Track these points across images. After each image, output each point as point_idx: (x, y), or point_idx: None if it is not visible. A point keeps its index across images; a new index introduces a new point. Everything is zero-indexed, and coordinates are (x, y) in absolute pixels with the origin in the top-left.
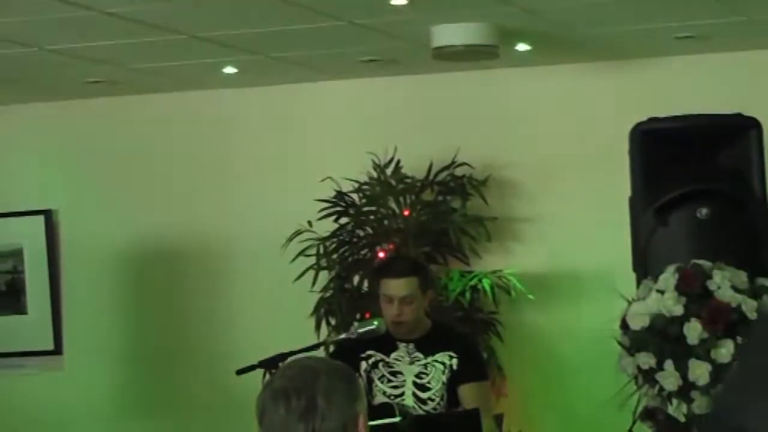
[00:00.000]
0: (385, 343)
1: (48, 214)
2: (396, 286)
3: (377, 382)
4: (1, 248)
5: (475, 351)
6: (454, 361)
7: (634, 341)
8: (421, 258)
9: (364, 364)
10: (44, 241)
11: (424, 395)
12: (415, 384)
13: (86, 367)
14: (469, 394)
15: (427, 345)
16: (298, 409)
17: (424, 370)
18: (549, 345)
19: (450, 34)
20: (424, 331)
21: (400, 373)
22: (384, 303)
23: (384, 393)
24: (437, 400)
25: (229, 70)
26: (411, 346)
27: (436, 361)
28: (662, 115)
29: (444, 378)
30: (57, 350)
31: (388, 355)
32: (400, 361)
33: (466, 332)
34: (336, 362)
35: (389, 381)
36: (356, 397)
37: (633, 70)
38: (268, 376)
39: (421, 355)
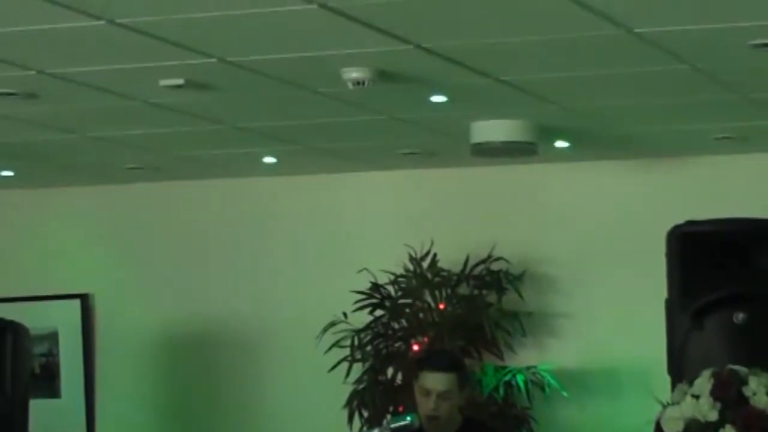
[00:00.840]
0: None
1: (84, 298)
2: (436, 380)
3: None
4: (37, 331)
5: None
6: None
7: None
8: (456, 351)
9: None
10: (80, 325)
11: None
12: None
13: None
14: None
15: None
16: None
17: None
18: None
19: (489, 130)
20: (456, 427)
21: None
22: (421, 395)
23: None
24: None
25: (269, 159)
26: None
27: None
28: (700, 212)
29: None
30: None
31: None
32: None
33: (498, 428)
34: None
35: None
36: None
37: (671, 168)
38: None
39: None
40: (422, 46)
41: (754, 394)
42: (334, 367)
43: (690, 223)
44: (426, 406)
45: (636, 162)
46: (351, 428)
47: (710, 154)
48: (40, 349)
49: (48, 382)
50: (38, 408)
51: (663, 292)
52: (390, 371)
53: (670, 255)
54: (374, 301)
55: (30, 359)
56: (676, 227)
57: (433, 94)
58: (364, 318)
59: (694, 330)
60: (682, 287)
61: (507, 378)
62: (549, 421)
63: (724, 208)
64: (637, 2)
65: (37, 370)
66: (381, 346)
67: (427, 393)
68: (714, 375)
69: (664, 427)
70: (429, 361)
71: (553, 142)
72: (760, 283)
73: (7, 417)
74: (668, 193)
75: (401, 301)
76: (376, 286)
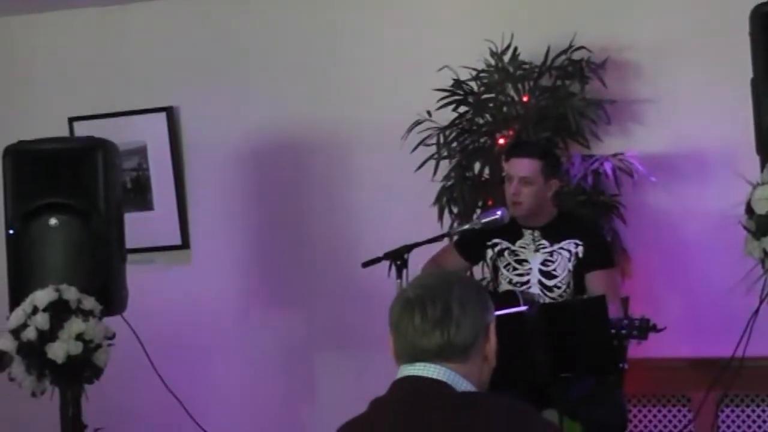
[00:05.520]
0: (511, 230)
1: (169, 111)
2: (517, 165)
3: (503, 270)
4: (126, 146)
5: (601, 238)
6: (580, 249)
7: (760, 225)
8: (549, 145)
9: (489, 252)
10: (167, 138)
11: (549, 283)
12: (540, 272)
13: (213, 260)
14: (595, 282)
15: (553, 232)
16: (434, 318)
17: (550, 258)
18: (673, 227)
19: None
20: (550, 219)
21: (526, 261)
22: (507, 182)
23: (510, 281)
24: (563, 287)
25: None
26: (537, 233)
27: (562, 248)
28: None
29: (570, 265)
30: (184, 245)
31: (513, 243)
32: (525, 248)
33: (592, 219)
34: (467, 275)
35: (515, 269)
36: (487, 307)
37: None
38: (393, 268)
39: (546, 243)
40: None
41: None
42: (421, 165)
43: None
44: (508, 191)
45: None
46: (441, 225)
47: None
48: (129, 163)
49: (140, 196)
50: (133, 221)
51: (748, 72)
52: (477, 166)
53: (753, 34)
54: (457, 97)
55: (121, 175)
56: (759, 6)
57: None
58: (448, 115)
59: None
60: (767, 66)
61: (594, 166)
62: (638, 206)
63: None
64: None
65: (129, 185)
66: (467, 142)
67: (510, 178)
68: None
69: (755, 207)
70: (514, 148)
71: None
72: None
73: (103, 233)
74: None
75: (484, 96)
76: (458, 83)
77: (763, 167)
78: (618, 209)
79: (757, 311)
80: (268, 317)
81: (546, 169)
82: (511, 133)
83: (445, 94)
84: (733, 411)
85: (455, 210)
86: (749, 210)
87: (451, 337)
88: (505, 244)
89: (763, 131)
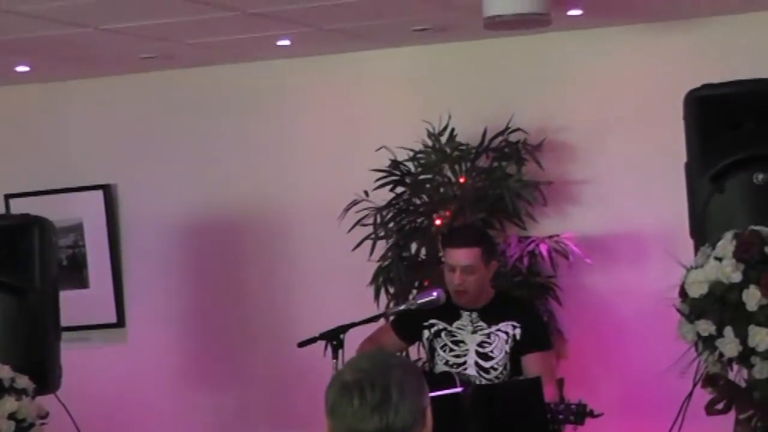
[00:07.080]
0: (448, 311)
1: (107, 189)
2: (459, 256)
3: (439, 351)
4: (62, 223)
5: (538, 320)
6: (517, 331)
7: (694, 308)
8: (481, 226)
9: (426, 333)
10: (104, 216)
11: (486, 364)
12: (477, 353)
13: (149, 339)
14: (532, 364)
15: (490, 314)
16: (372, 402)
17: (487, 340)
18: (608, 309)
19: (501, 3)
20: (488, 300)
21: (463, 342)
22: (447, 271)
23: (446, 362)
24: (500, 369)
25: (283, 42)
26: (474, 314)
27: (500, 330)
28: (716, 73)
29: (507, 347)
30: (120, 323)
31: (450, 324)
32: (462, 330)
33: (530, 301)
34: (404, 357)
35: (451, 350)
36: (424, 390)
37: (686, 30)
38: (329, 348)
39: (484, 324)
40: None
41: None
42: (358, 245)
43: (706, 86)
44: (452, 281)
45: (650, 26)
46: (378, 305)
47: (724, 14)
48: (66, 241)
49: (76, 273)
50: (68, 299)
51: (683, 156)
52: (414, 247)
53: (687, 119)
54: (395, 178)
55: (57, 252)
56: (693, 91)
57: None
58: (385, 195)
59: (715, 192)
60: (701, 150)
61: (530, 247)
62: (573, 288)
63: (739, 70)
64: None
65: (65, 262)
66: (404, 222)
67: (452, 269)
68: (736, 236)
69: (689, 290)
70: (451, 237)
71: (567, 11)
72: None
73: (38, 310)
74: (685, 56)
75: (421, 176)
76: (395, 164)
77: (696, 250)
78: (554, 291)
79: (690, 394)
80: (203, 396)
81: (485, 255)
82: (447, 214)
83: (383, 174)
84: None
85: (392, 290)
86: (683, 293)
87: (389, 422)
88: (441, 324)
89: (697, 215)
